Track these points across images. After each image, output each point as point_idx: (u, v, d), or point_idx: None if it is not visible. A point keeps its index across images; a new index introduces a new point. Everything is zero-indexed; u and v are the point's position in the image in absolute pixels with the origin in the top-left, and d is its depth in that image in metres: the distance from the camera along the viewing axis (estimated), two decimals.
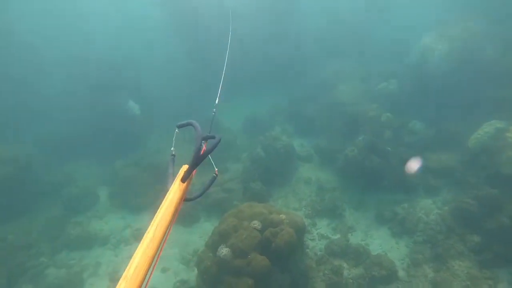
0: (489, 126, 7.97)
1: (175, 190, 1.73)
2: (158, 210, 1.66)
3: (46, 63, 13.79)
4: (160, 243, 1.61)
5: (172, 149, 2.27)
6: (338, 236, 7.80)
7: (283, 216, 6.58)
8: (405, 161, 8.65)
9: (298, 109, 12.27)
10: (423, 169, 8.74)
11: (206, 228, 8.50)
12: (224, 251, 5.92)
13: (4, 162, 8.67)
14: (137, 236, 8.27)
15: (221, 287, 5.78)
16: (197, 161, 1.97)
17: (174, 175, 1.85)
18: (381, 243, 7.52)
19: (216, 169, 2.22)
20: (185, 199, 1.83)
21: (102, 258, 7.76)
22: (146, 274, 1.39)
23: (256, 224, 6.24)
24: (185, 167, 1.89)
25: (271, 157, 9.21)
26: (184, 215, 8.51)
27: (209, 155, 2.13)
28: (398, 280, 6.59)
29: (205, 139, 2.15)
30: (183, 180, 1.79)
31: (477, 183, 7.72)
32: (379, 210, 8.18)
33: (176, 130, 2.25)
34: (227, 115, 12.61)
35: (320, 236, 7.86)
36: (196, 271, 7.24)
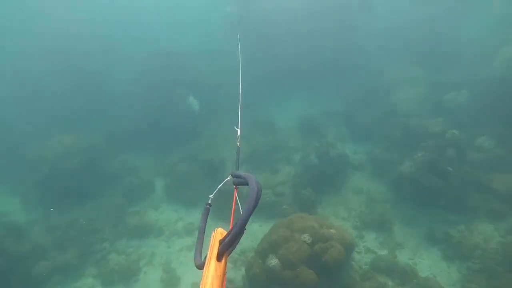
0: None
1: (212, 277, 1.36)
2: None
3: (118, 58, 14.76)
4: None
5: (210, 196, 2.02)
6: (385, 251, 7.80)
7: (333, 231, 6.75)
8: (467, 181, 8.34)
9: (354, 112, 12.10)
10: (487, 191, 8.38)
11: (253, 229, 8.86)
12: (273, 261, 6.22)
13: (78, 151, 9.61)
14: (188, 230, 8.85)
15: None
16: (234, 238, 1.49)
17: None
18: (431, 265, 7.43)
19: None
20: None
21: (157, 249, 8.44)
22: None
23: (306, 237, 6.46)
24: (218, 234, 1.53)
25: (324, 165, 9.30)
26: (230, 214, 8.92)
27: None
28: None
29: (238, 184, 1.83)
30: (219, 258, 1.42)
31: None
32: (431, 229, 8.02)
33: (228, 177, 2.00)
34: (280, 113, 12.79)
35: (366, 249, 7.91)
36: (243, 271, 7.71)
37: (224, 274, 1.42)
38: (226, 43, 13.90)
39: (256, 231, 8.78)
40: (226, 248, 1.44)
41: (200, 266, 1.46)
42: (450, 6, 15.63)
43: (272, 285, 6.13)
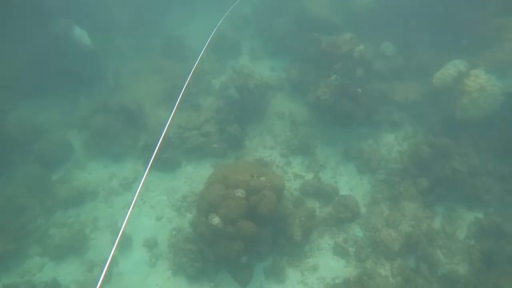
0: (452, 67, 8.67)
1: None
2: None
3: None
4: None
5: None
6: (311, 175, 9.25)
7: (263, 179, 7.75)
8: (374, 98, 9.57)
9: (266, 23, 11.92)
10: (390, 103, 9.80)
11: (189, 172, 9.56)
12: (215, 220, 7.19)
13: None
14: (125, 186, 9.26)
15: (217, 248, 7.31)
16: None
17: None
18: (348, 181, 9.14)
19: None
20: None
21: (98, 212, 8.87)
22: None
23: (240, 193, 7.39)
24: None
25: (245, 98, 9.68)
26: (162, 161, 9.39)
27: None
28: (360, 217, 8.47)
29: None
30: None
31: (435, 123, 9.04)
32: (347, 147, 9.48)
33: None
34: (189, 31, 12.03)
35: (295, 175, 9.27)
36: (188, 217, 8.73)
37: None
38: None
39: (192, 174, 9.53)
40: None
41: None
42: None
43: (219, 239, 7.24)
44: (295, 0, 11.58)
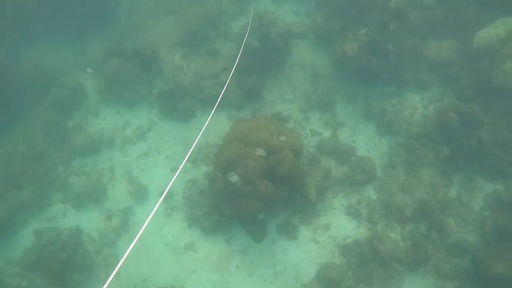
0: (502, 25, 8.09)
1: None
2: None
3: None
4: None
5: None
6: (329, 132, 9.22)
7: (283, 138, 7.77)
8: (405, 55, 9.13)
9: None
10: (420, 60, 9.36)
11: (204, 122, 9.47)
12: (234, 178, 7.37)
13: None
14: (139, 135, 9.35)
15: (234, 206, 7.59)
16: None
17: None
18: (366, 141, 9.12)
19: None
20: None
21: (114, 161, 9.10)
22: None
23: (260, 152, 7.46)
24: None
25: (266, 48, 9.29)
26: (178, 110, 9.38)
27: None
28: (375, 179, 8.61)
29: None
30: None
31: (467, 87, 8.71)
32: (369, 105, 9.29)
33: None
34: None
35: (312, 132, 9.25)
36: (203, 169, 8.96)
37: None
38: None
39: (208, 124, 9.50)
40: None
41: None
42: None
43: (236, 197, 7.48)
44: None
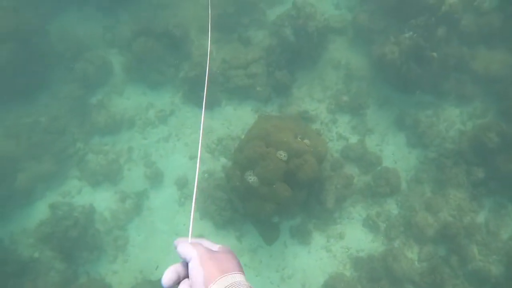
0: None
1: None
2: None
3: None
4: None
5: None
6: (356, 137, 9.02)
7: (307, 142, 7.67)
8: (449, 65, 8.73)
9: None
10: (465, 71, 8.93)
11: (228, 113, 9.52)
12: (252, 178, 7.38)
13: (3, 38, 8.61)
14: (161, 119, 9.42)
15: (249, 205, 7.63)
16: None
17: None
18: (395, 151, 8.89)
19: None
20: None
21: (133, 142, 9.24)
22: None
23: (282, 155, 7.40)
24: None
25: (301, 42, 9.06)
26: (202, 97, 9.35)
27: None
28: (399, 192, 8.44)
29: None
30: None
31: None
32: (402, 113, 8.99)
33: None
34: None
35: (339, 136, 9.08)
36: (221, 161, 9.00)
37: None
38: None
39: (231, 116, 9.51)
40: None
41: None
42: None
43: (251, 197, 7.50)
44: None
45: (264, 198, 7.35)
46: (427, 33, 8.51)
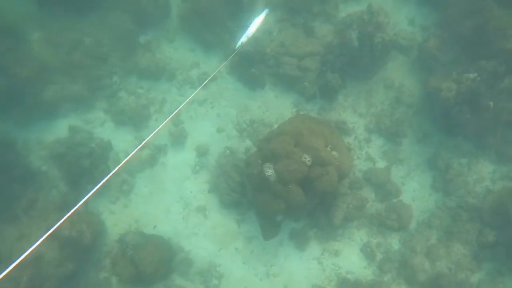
0: None
1: None
2: None
3: None
4: None
5: None
6: (384, 163, 9.05)
7: (335, 154, 7.76)
8: (501, 119, 8.59)
9: None
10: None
11: (268, 98, 9.54)
12: (270, 172, 7.53)
13: None
14: (202, 81, 9.44)
15: (259, 196, 7.83)
16: None
17: None
18: (416, 189, 8.94)
19: None
20: None
21: (168, 95, 9.40)
22: None
23: (307, 159, 7.51)
24: None
25: (363, 50, 8.91)
26: (247, 75, 9.36)
27: None
28: (406, 230, 8.57)
29: None
30: None
31: None
32: (437, 153, 8.93)
33: None
34: None
35: (367, 156, 9.12)
36: (247, 142, 9.13)
37: None
38: None
39: (270, 101, 9.53)
40: None
41: None
42: None
43: (264, 189, 7.69)
44: None
45: (276, 195, 7.54)
46: (492, 79, 8.34)
